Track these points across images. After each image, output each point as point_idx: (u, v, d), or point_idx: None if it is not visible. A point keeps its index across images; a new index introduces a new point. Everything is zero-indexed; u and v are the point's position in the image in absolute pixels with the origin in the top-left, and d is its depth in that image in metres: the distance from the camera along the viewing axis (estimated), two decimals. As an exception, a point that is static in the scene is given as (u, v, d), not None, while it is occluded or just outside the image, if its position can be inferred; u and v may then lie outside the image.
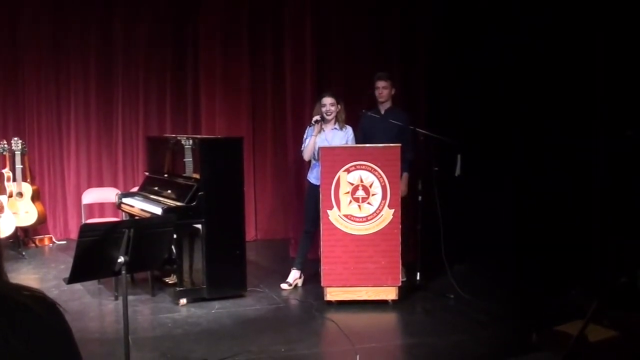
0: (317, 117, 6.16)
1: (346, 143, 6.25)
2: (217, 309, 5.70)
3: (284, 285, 6.35)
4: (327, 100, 6.21)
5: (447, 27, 8.03)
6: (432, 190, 6.01)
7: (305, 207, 6.48)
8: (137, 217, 5.94)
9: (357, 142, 6.27)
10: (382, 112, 6.42)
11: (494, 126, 7.56)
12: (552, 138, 6.87)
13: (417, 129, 6.18)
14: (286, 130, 8.04)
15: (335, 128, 6.28)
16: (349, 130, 6.33)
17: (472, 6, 7.81)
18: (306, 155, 6.28)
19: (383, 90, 6.39)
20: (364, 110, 6.41)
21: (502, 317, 5.44)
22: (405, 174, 6.15)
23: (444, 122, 7.60)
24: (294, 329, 5.27)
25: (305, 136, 6.34)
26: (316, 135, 6.17)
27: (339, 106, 6.25)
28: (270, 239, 8.81)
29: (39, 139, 8.53)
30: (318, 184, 5.98)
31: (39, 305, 1.12)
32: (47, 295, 1.15)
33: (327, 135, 6.23)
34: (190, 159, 5.99)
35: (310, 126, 6.28)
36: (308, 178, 6.43)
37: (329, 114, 6.19)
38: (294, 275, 6.42)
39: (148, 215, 5.82)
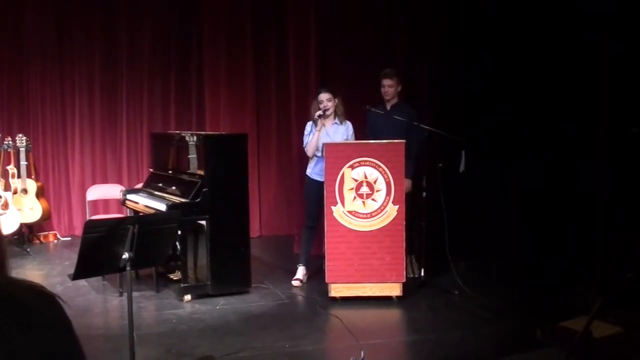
0: (319, 113, 6.16)
1: (347, 138, 6.26)
2: (222, 305, 5.71)
3: (295, 282, 6.35)
4: (324, 96, 6.21)
5: (452, 24, 8.02)
6: (436, 187, 6.01)
7: (306, 202, 6.48)
8: (141, 214, 5.95)
9: (365, 139, 6.27)
10: (388, 108, 6.41)
11: (498, 123, 7.55)
12: (556, 135, 6.86)
13: (422, 125, 6.16)
14: (290, 127, 8.03)
15: (336, 123, 6.30)
16: (348, 124, 6.34)
17: (476, 5, 7.80)
18: (310, 152, 6.28)
19: (389, 88, 6.38)
20: (367, 106, 6.40)
21: (507, 313, 5.44)
22: (409, 175, 6.14)
23: (448, 118, 7.59)
24: (298, 325, 5.27)
25: (306, 132, 6.33)
26: (319, 131, 6.18)
27: (336, 100, 6.25)
28: (274, 235, 8.81)
29: (44, 135, 8.54)
30: (321, 179, 6.00)
31: (37, 298, 1.12)
32: (45, 287, 1.15)
33: (329, 130, 6.25)
34: (195, 156, 5.99)
35: (313, 121, 6.27)
36: (309, 174, 6.40)
37: (326, 109, 6.19)
38: (302, 272, 6.43)
39: (152, 211, 5.83)
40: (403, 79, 6.58)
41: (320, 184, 6.03)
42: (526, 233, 7.13)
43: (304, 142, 6.33)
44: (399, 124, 6.17)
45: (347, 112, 6.52)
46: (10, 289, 1.11)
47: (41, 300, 1.12)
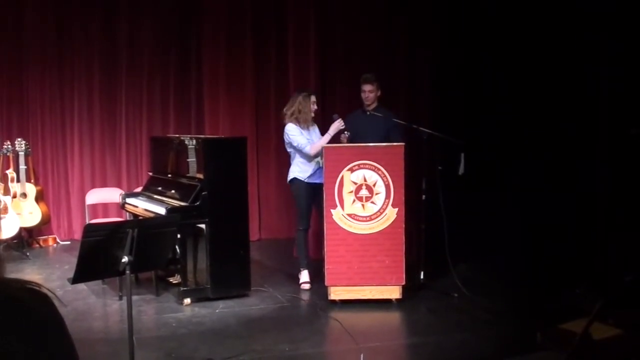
0: (341, 123, 6.15)
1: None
2: (222, 309, 5.70)
3: (305, 286, 6.30)
4: (314, 98, 6.33)
5: (452, 24, 8.01)
6: (436, 189, 6.00)
7: (301, 204, 6.38)
8: (140, 217, 5.95)
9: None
10: (367, 112, 6.39)
11: (498, 123, 7.55)
12: (556, 135, 6.86)
13: (421, 128, 6.15)
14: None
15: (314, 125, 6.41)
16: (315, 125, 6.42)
17: (476, 5, 7.79)
18: (314, 151, 6.19)
19: (369, 94, 6.36)
20: (368, 111, 6.39)
21: (507, 315, 5.43)
22: None
23: (448, 118, 7.59)
24: (298, 328, 5.27)
25: (296, 133, 6.20)
26: (331, 135, 6.16)
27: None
28: (274, 238, 8.80)
29: (43, 139, 8.53)
30: (314, 181, 6.11)
31: (32, 299, 1.12)
32: (41, 286, 1.15)
33: (311, 134, 6.31)
34: (194, 159, 5.98)
35: (299, 126, 6.26)
36: (301, 178, 6.29)
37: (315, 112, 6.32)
38: (307, 275, 6.38)
39: (152, 215, 5.82)
40: (404, 80, 6.55)
41: (312, 186, 6.13)
42: (526, 233, 7.12)
43: (298, 143, 6.21)
44: (382, 127, 6.17)
45: (346, 111, 6.52)
46: (7, 291, 1.11)
47: (36, 301, 1.12)
